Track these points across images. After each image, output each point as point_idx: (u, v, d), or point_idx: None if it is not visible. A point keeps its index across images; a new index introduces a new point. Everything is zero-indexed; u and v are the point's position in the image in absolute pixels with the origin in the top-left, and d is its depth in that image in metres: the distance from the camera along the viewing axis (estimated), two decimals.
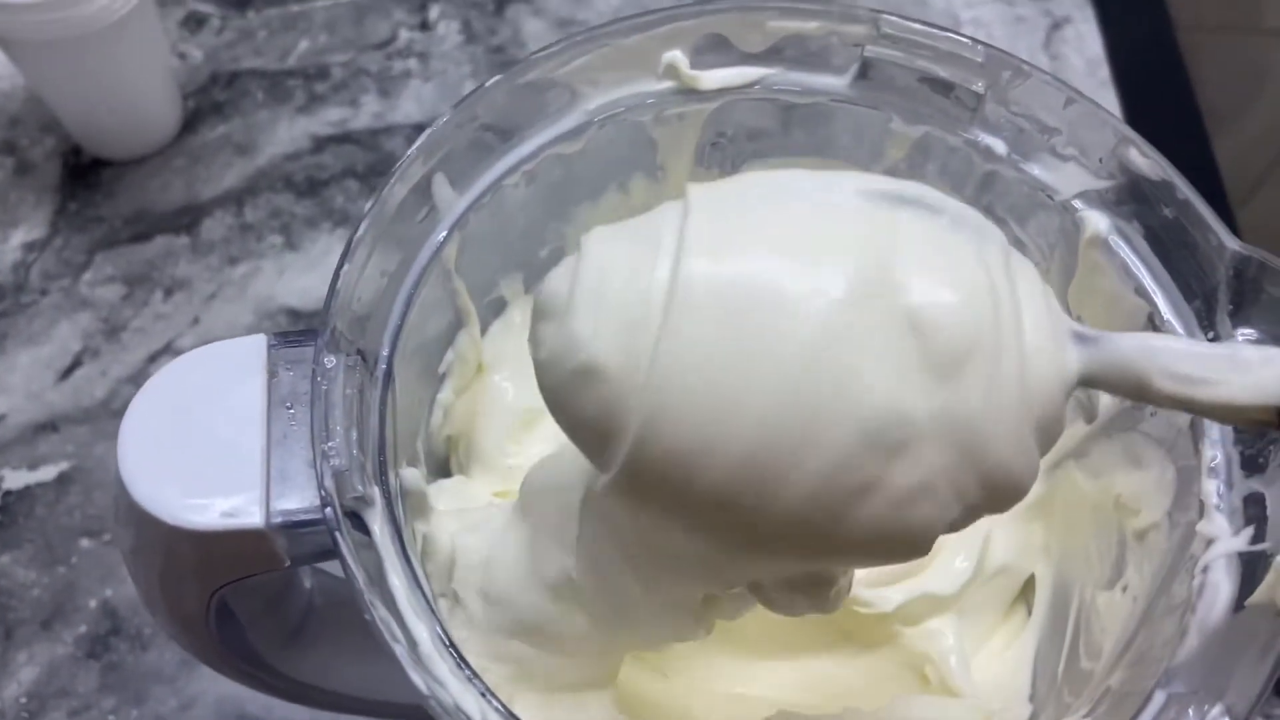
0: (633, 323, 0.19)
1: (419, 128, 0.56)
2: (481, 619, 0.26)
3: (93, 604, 0.43)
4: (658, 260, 0.20)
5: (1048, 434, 0.21)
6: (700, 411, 0.19)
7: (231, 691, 0.41)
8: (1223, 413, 0.21)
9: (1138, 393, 0.21)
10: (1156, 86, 0.60)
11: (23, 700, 0.41)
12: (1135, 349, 0.21)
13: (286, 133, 0.55)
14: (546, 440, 0.31)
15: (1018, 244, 0.30)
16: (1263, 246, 0.26)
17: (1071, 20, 0.62)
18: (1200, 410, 0.21)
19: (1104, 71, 0.59)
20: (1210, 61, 0.65)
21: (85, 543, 0.44)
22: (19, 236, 0.51)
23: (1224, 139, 0.60)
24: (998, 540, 0.31)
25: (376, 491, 0.24)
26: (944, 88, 0.29)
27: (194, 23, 0.58)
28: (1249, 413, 0.20)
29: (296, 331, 0.24)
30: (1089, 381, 0.21)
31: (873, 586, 0.30)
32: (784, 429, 0.19)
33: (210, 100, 0.56)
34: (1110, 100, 0.58)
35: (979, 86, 0.28)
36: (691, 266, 0.19)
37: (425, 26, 0.60)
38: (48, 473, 0.46)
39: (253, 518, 0.22)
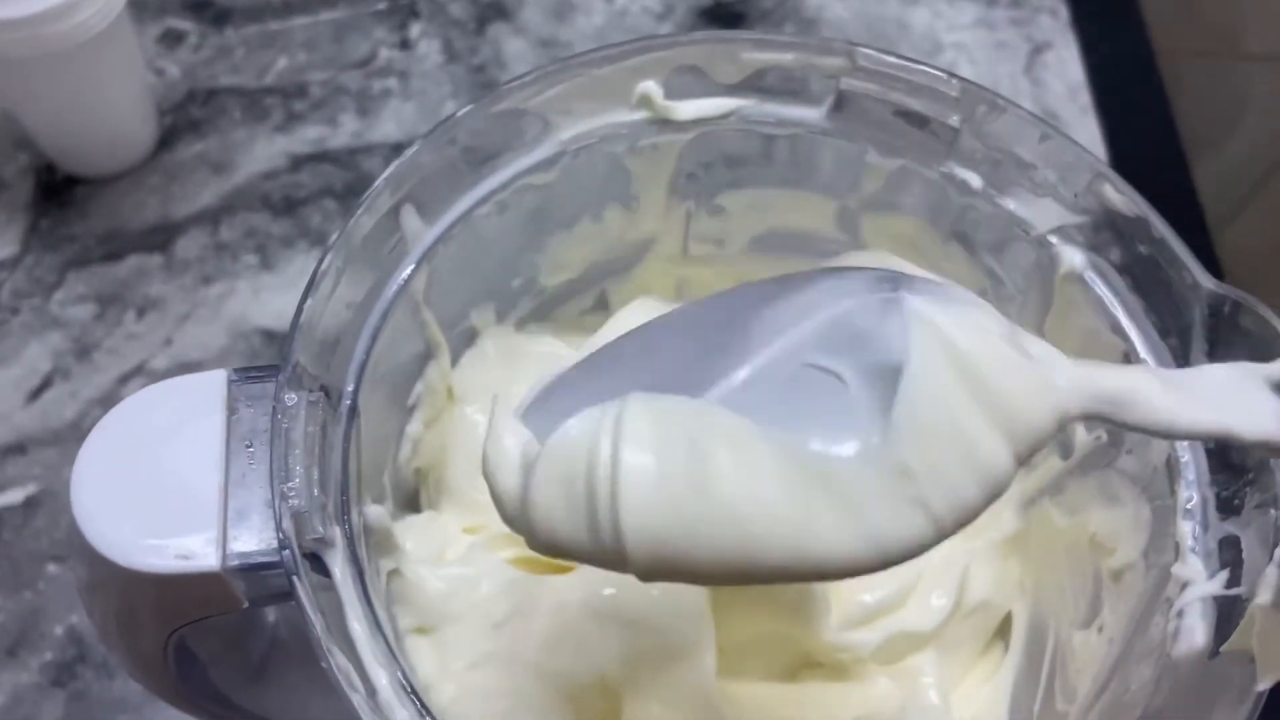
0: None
1: (398, 147, 0.55)
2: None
3: (59, 630, 0.42)
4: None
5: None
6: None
7: None
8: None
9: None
10: (1138, 111, 0.60)
11: None
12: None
13: (264, 151, 0.55)
14: None
15: (992, 278, 0.30)
16: (1243, 270, 0.26)
17: (1053, 45, 0.62)
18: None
19: (1085, 97, 0.59)
20: (1191, 86, 0.65)
21: (52, 568, 0.44)
22: None
23: (1204, 164, 0.61)
24: (976, 576, 0.30)
25: (338, 532, 0.23)
26: (919, 121, 0.28)
27: (171, 39, 0.58)
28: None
29: (258, 367, 0.24)
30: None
31: (850, 629, 0.30)
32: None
33: (187, 118, 0.55)
34: (1091, 125, 0.58)
35: (954, 120, 0.28)
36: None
37: (406, 45, 0.59)
38: (14, 496, 0.45)
39: (208, 560, 0.22)
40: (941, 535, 0.20)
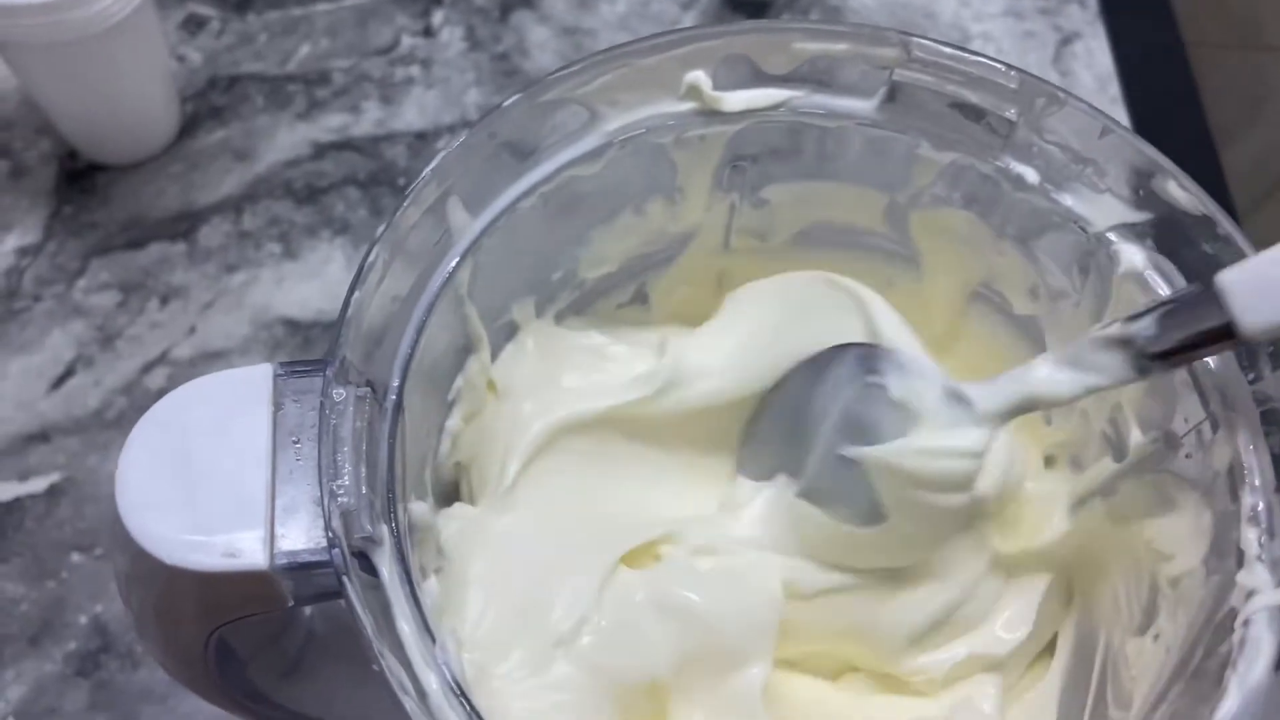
0: None
1: (421, 136, 0.55)
2: None
3: (83, 620, 0.42)
4: None
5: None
6: None
7: (223, 712, 0.40)
8: None
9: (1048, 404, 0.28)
10: (1166, 102, 0.60)
11: (10, 719, 0.40)
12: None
13: (286, 139, 0.54)
14: None
15: (1045, 276, 0.30)
16: None
17: (1081, 36, 0.61)
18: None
19: (1114, 88, 0.59)
20: (1218, 77, 0.64)
21: (76, 557, 0.43)
22: (12, 241, 0.50)
23: (1232, 153, 0.60)
24: (1050, 595, 0.30)
25: (385, 530, 0.23)
26: (975, 114, 0.28)
27: (193, 25, 0.57)
28: None
29: (303, 361, 0.23)
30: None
31: (926, 651, 0.30)
32: None
33: (209, 104, 0.54)
34: (1120, 116, 0.57)
35: (1011, 113, 0.28)
36: None
37: (429, 33, 0.59)
38: (38, 484, 0.45)
39: (256, 558, 0.21)
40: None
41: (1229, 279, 0.24)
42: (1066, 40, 0.61)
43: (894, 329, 0.30)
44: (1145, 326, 0.25)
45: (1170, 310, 0.25)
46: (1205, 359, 0.26)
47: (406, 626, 0.22)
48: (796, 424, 0.30)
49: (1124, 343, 0.25)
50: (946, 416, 0.28)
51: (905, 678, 0.30)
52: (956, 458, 0.28)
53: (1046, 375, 0.27)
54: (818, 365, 0.30)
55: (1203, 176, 0.51)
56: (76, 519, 0.44)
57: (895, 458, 0.28)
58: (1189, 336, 0.24)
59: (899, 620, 0.30)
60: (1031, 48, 0.60)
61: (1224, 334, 0.24)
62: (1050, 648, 0.31)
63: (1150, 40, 0.62)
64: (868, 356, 0.29)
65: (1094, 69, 0.59)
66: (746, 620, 0.29)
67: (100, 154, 0.52)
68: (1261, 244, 0.25)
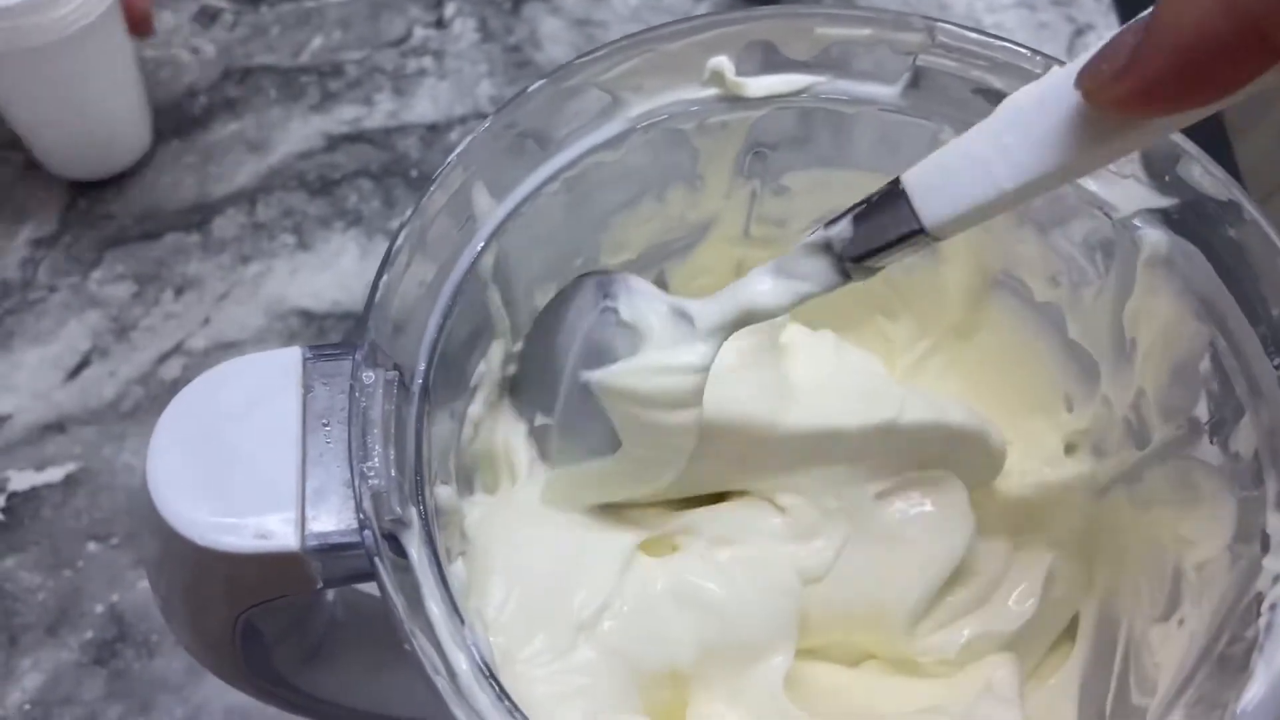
0: None
1: (433, 128, 0.55)
2: None
3: (99, 609, 0.42)
4: None
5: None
6: None
7: (239, 701, 0.40)
8: None
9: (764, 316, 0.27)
10: None
11: (27, 708, 0.40)
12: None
13: (300, 131, 0.54)
14: None
15: (1068, 261, 0.30)
16: None
17: (1095, 27, 0.61)
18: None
19: None
20: None
21: (92, 546, 0.43)
22: (27, 233, 0.50)
23: (1245, 143, 0.60)
24: (1057, 574, 0.30)
25: (414, 512, 0.23)
26: (999, 99, 0.28)
27: (206, 17, 0.57)
28: None
29: (332, 345, 0.23)
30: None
31: (934, 630, 0.30)
32: None
33: (223, 96, 0.55)
34: None
35: None
36: None
37: (441, 24, 0.59)
38: (54, 474, 0.45)
39: (287, 540, 0.21)
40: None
41: (910, 176, 0.24)
42: (1080, 31, 0.61)
43: None
44: (842, 230, 0.25)
45: (862, 212, 0.25)
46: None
47: (436, 608, 0.22)
48: (548, 361, 0.30)
49: (825, 248, 0.25)
50: (671, 335, 0.27)
51: (919, 659, 0.30)
52: (677, 374, 0.27)
53: (759, 288, 0.27)
54: (564, 298, 0.30)
55: None
56: (93, 508, 0.44)
57: (618, 378, 0.28)
58: (880, 237, 0.24)
59: (899, 598, 0.30)
60: (1045, 39, 0.60)
61: (914, 232, 0.24)
62: (1072, 634, 0.31)
63: None
64: (603, 283, 0.29)
65: None
66: (767, 611, 0.29)
67: (65, 168, 0.50)
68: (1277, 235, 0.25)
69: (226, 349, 0.48)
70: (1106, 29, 0.60)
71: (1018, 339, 0.32)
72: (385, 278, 0.24)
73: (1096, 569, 0.31)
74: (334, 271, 0.50)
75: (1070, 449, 0.32)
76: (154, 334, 0.48)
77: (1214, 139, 0.58)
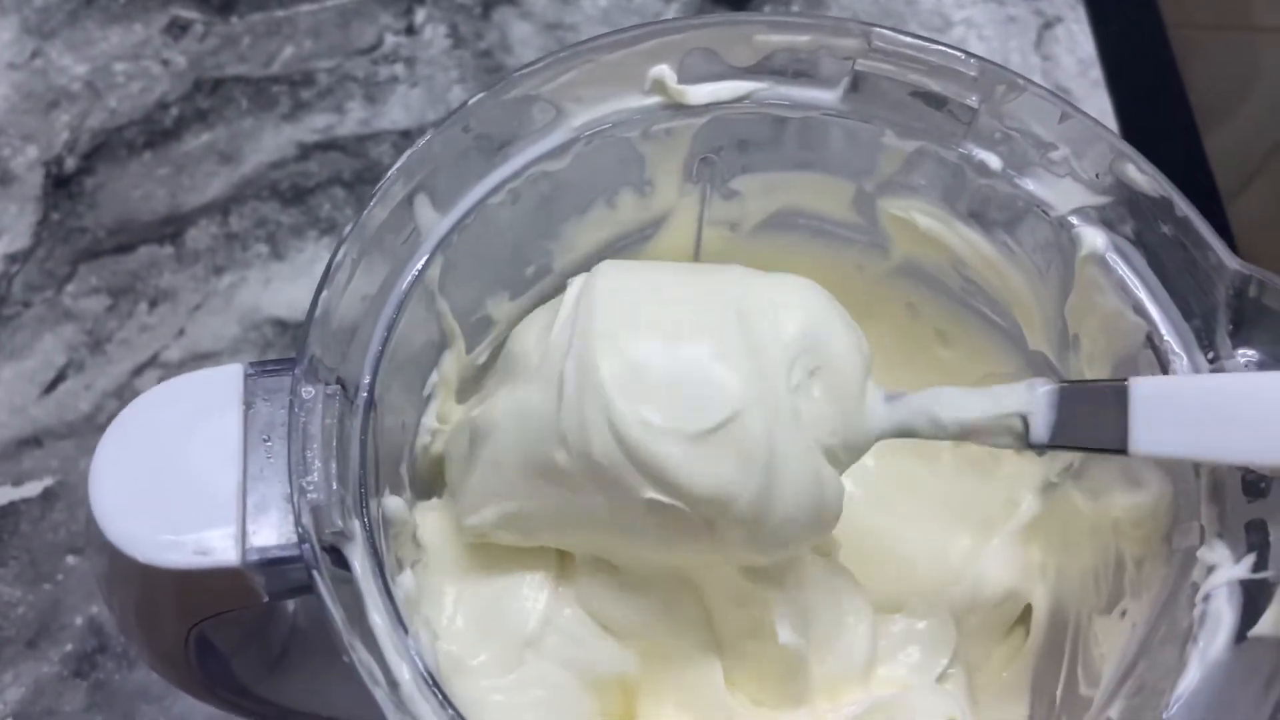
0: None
1: (406, 134, 0.55)
2: None
3: (79, 621, 0.43)
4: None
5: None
6: None
7: (220, 712, 0.41)
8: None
9: (934, 432, 0.27)
10: (1149, 84, 0.60)
11: None
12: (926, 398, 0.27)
13: (272, 140, 0.54)
14: None
15: (1011, 259, 0.30)
16: (1254, 240, 0.26)
17: (1063, 20, 0.61)
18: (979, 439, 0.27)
19: (1096, 71, 0.59)
20: (1202, 58, 0.65)
21: (71, 559, 0.44)
22: (1, 248, 0.50)
23: (1215, 135, 0.60)
24: (997, 568, 0.30)
25: (357, 525, 0.23)
26: (937, 102, 0.28)
27: (177, 29, 0.58)
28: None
29: (274, 360, 0.24)
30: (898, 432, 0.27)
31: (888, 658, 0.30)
32: None
33: (194, 108, 0.55)
34: (1103, 99, 0.57)
35: (972, 100, 0.28)
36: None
37: (411, 31, 0.59)
38: (32, 488, 0.45)
39: (228, 555, 0.22)
40: None
41: (1141, 390, 0.23)
42: (1048, 24, 0.61)
43: None
44: (1042, 408, 0.25)
45: (1069, 395, 0.25)
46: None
47: (379, 619, 0.22)
48: None
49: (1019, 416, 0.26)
50: None
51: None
52: None
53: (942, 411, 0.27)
54: None
55: (1187, 159, 0.51)
56: (71, 522, 0.44)
57: None
58: (1074, 437, 0.25)
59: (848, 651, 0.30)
60: (1013, 33, 0.60)
61: (1112, 450, 0.24)
62: (1026, 624, 0.31)
63: (1132, 24, 0.62)
64: None
65: (1076, 53, 0.60)
66: (675, 624, 0.29)
67: None
68: (1246, 225, 0.25)
69: (201, 360, 0.48)
70: (1075, 22, 0.60)
71: (971, 339, 0.32)
72: (325, 293, 0.24)
73: (1048, 558, 0.31)
74: (308, 280, 0.51)
75: None
76: (129, 347, 0.48)
77: (1184, 130, 0.58)
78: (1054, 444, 0.25)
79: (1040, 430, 0.25)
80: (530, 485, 0.26)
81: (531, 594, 0.28)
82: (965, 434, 0.26)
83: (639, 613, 0.28)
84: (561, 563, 0.29)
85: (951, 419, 0.26)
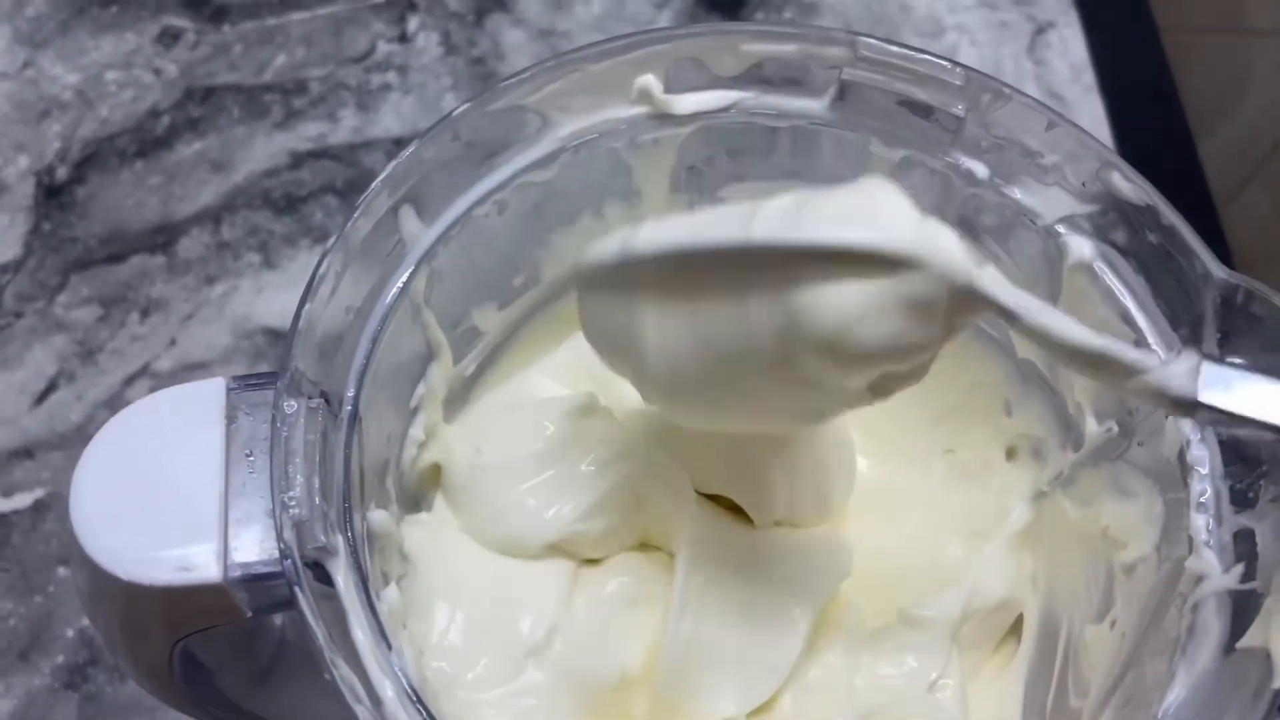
0: None
1: (399, 142, 0.55)
2: None
3: (70, 633, 0.43)
4: None
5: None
6: None
7: None
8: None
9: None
10: (1142, 90, 0.60)
11: None
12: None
13: (264, 149, 0.54)
14: None
15: (996, 263, 0.30)
16: (1249, 244, 0.26)
17: (1055, 25, 0.61)
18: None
19: (1089, 76, 0.59)
20: (1195, 62, 0.65)
21: (62, 571, 0.44)
22: None
23: (1210, 139, 0.60)
24: (992, 576, 0.30)
25: (340, 540, 0.23)
26: (923, 110, 0.28)
27: (169, 38, 0.58)
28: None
29: (257, 375, 0.24)
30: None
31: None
32: None
33: (186, 116, 0.55)
34: (1095, 105, 0.57)
35: (959, 109, 0.28)
36: None
37: (404, 39, 0.59)
38: (23, 500, 0.45)
39: (209, 571, 0.22)
40: None
41: None
42: (1041, 30, 0.61)
43: None
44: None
45: None
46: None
47: (362, 634, 0.22)
48: None
49: None
50: None
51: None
52: None
53: None
54: None
55: (1181, 164, 0.51)
56: (62, 533, 0.44)
57: None
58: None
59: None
60: (1006, 39, 0.60)
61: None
62: (1018, 633, 0.31)
63: (1125, 29, 0.62)
64: None
65: (1069, 58, 0.60)
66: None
67: None
68: (1241, 229, 0.25)
69: (193, 370, 0.48)
70: (1067, 27, 0.60)
71: (959, 347, 0.32)
72: (308, 306, 0.24)
73: (1039, 568, 0.31)
74: (300, 289, 0.50)
75: (1011, 454, 0.32)
76: (120, 357, 0.48)
77: (1178, 135, 0.58)
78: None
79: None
80: None
81: (544, 600, 0.28)
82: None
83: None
84: (576, 571, 0.29)
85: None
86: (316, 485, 0.23)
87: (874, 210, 0.22)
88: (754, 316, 0.22)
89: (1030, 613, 0.31)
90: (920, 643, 0.29)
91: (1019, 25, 0.61)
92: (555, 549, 0.29)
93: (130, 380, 0.48)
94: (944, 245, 0.21)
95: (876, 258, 0.21)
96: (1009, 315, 0.21)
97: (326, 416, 0.24)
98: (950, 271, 0.21)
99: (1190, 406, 0.20)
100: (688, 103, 0.29)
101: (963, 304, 0.21)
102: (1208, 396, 0.20)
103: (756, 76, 0.29)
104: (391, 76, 0.57)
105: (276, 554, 0.22)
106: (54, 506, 0.45)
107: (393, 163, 0.26)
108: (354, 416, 0.25)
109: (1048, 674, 0.29)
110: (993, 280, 0.21)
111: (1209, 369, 0.20)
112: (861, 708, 0.28)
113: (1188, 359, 0.20)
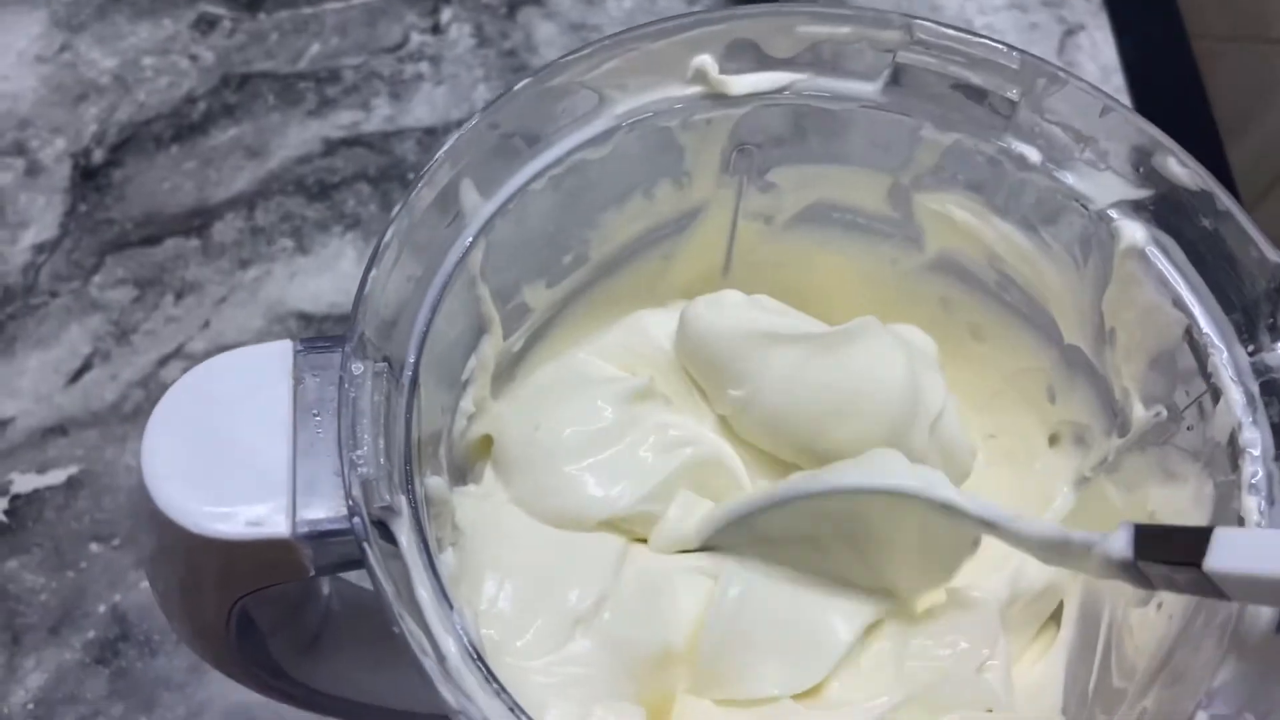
0: None
1: (430, 131, 0.56)
2: None
3: (102, 609, 0.43)
4: None
5: None
6: None
7: (241, 699, 0.41)
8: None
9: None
10: (1171, 94, 0.60)
11: (30, 707, 0.41)
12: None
13: (298, 136, 0.55)
14: None
15: (1048, 253, 0.30)
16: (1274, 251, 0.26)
17: (1085, 27, 0.61)
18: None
19: (1118, 79, 0.59)
20: (1223, 69, 0.65)
21: (94, 547, 0.44)
22: (29, 238, 0.51)
23: (1238, 146, 0.60)
24: (1031, 560, 0.30)
25: (403, 500, 0.23)
26: (977, 94, 0.28)
27: (205, 24, 0.58)
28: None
29: (323, 338, 0.24)
30: None
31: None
32: None
33: (221, 103, 0.55)
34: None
35: (1013, 93, 0.28)
36: None
37: (437, 30, 0.60)
38: (57, 477, 0.45)
39: (279, 527, 0.22)
40: None
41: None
42: (1070, 32, 0.61)
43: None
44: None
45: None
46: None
47: (425, 593, 0.22)
48: None
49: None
50: None
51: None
52: None
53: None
54: None
55: (1209, 168, 0.51)
56: (95, 510, 0.44)
57: None
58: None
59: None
60: (1035, 40, 0.61)
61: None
62: (1057, 619, 0.31)
63: (1154, 32, 0.62)
64: None
65: (1098, 60, 0.60)
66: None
67: None
68: (1269, 235, 0.26)
69: (226, 351, 0.48)
70: (1097, 29, 0.61)
71: (1002, 333, 0.33)
72: (374, 272, 0.24)
73: None
74: (332, 274, 0.51)
75: (1054, 440, 0.32)
76: (154, 337, 0.48)
77: (1205, 139, 0.58)
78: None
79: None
80: None
81: (595, 571, 0.28)
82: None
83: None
84: (627, 545, 0.29)
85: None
86: (381, 446, 0.23)
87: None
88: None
89: (1072, 597, 0.31)
90: (970, 623, 0.29)
91: (1049, 27, 0.61)
92: (609, 525, 0.29)
93: (164, 361, 0.48)
94: (933, 480, 0.28)
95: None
96: (985, 523, 0.27)
97: (390, 381, 0.24)
98: (936, 497, 0.27)
99: (1128, 566, 0.24)
100: (743, 84, 0.29)
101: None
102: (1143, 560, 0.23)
103: (810, 59, 0.29)
104: (424, 67, 0.58)
105: (343, 512, 0.22)
106: (87, 483, 0.45)
107: (454, 135, 0.27)
108: (414, 383, 0.25)
109: (1090, 656, 0.29)
110: (966, 499, 0.27)
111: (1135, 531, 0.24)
112: (909, 688, 0.28)
113: (1125, 531, 0.24)
